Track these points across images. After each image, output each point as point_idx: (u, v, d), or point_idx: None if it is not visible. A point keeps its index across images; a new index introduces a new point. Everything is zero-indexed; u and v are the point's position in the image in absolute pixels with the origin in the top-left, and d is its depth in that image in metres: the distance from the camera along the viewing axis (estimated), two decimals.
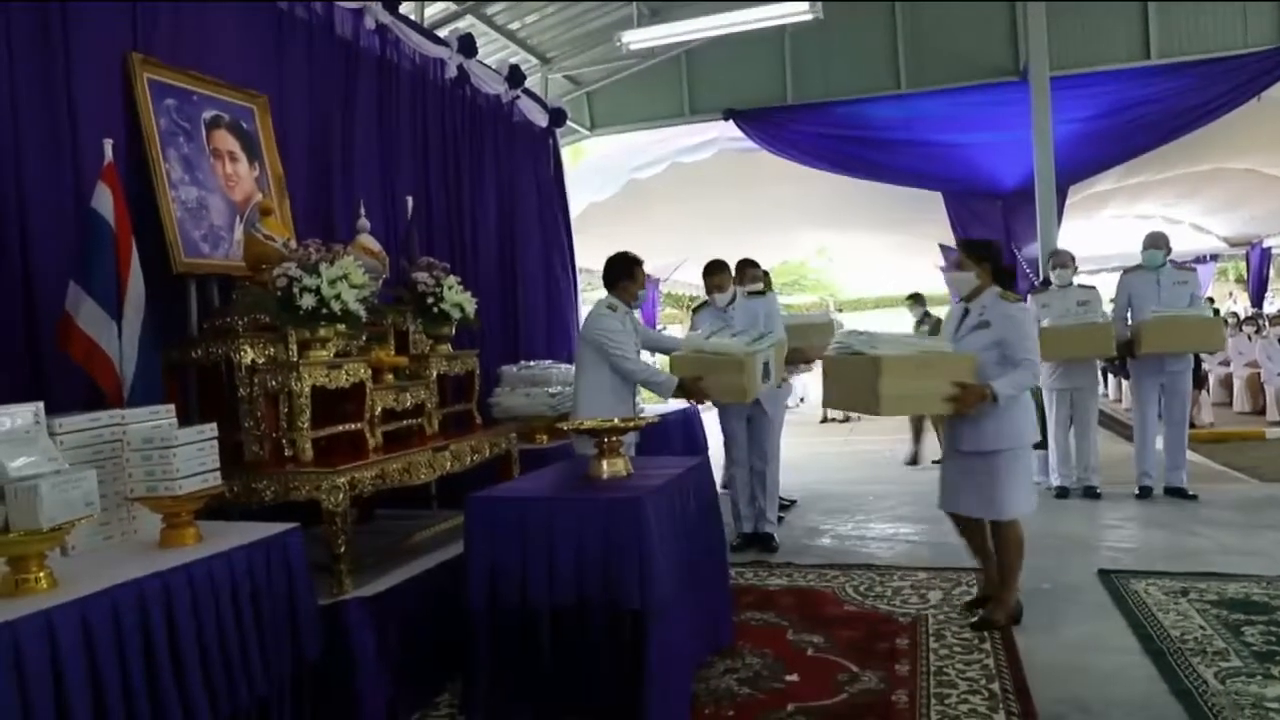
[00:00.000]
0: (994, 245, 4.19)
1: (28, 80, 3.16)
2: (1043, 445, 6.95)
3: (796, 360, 6.56)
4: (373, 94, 5.18)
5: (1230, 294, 23.43)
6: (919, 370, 3.72)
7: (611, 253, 4.69)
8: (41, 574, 2.11)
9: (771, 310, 5.59)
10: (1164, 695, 3.15)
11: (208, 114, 3.97)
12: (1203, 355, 9.07)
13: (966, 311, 4.03)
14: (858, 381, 3.83)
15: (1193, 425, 7.25)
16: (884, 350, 3.74)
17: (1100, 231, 13.38)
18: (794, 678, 3.47)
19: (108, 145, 3.14)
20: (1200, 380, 9.75)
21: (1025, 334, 3.83)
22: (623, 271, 4.62)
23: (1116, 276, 6.84)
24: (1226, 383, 12.69)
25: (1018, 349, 3.79)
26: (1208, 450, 8.34)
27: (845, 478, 8.18)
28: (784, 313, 7.24)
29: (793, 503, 7.33)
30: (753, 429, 5.55)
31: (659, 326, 14.26)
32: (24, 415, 2.32)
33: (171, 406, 2.80)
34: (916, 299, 9.64)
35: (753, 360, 4.48)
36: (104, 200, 3.05)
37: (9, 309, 3.05)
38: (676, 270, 15.07)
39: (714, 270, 5.49)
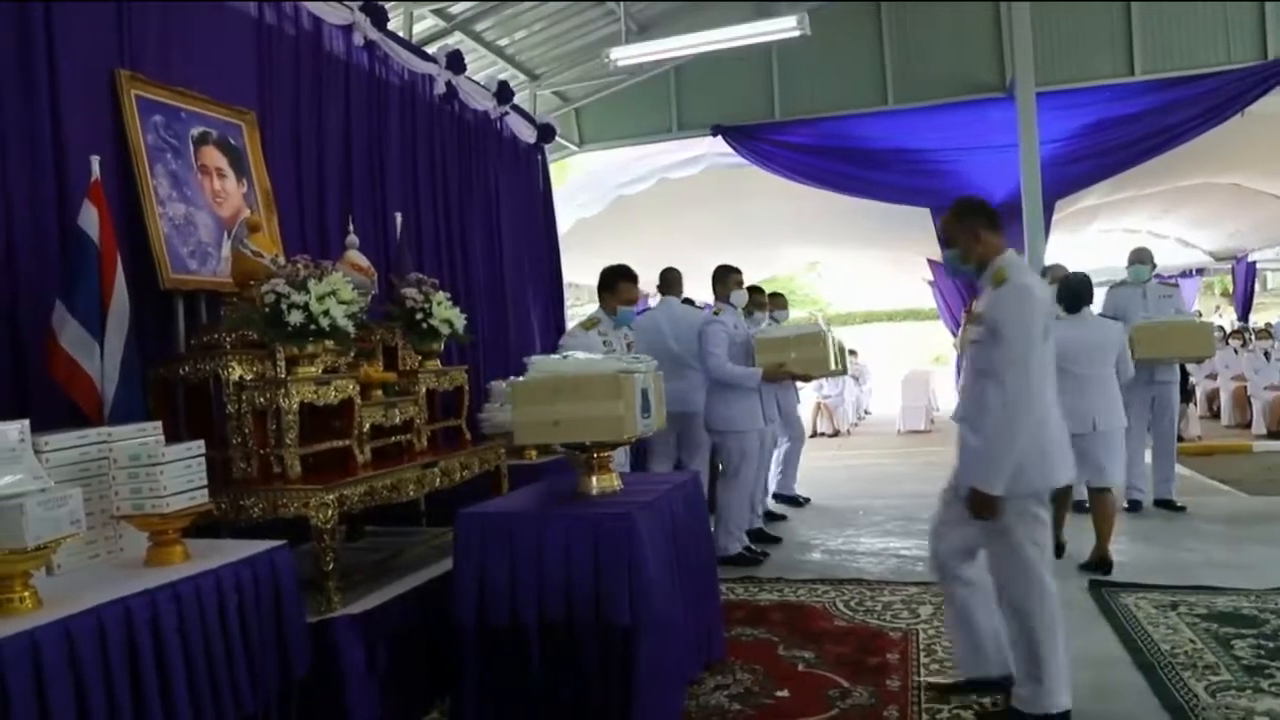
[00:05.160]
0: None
1: (14, 97, 3.15)
2: None
3: (780, 377, 5.90)
4: (361, 110, 5.19)
5: (1217, 308, 23.58)
6: None
7: (603, 267, 4.84)
8: (26, 593, 2.08)
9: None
10: (1155, 709, 3.16)
11: (195, 130, 3.96)
12: (1189, 369, 9.13)
13: None
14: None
15: (1180, 439, 7.28)
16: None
17: (1087, 246, 13.46)
18: (785, 693, 3.46)
19: (95, 162, 3.13)
20: (1188, 394, 9.79)
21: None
22: (606, 284, 4.97)
23: (1103, 291, 6.90)
24: (1213, 396, 12.76)
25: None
26: (1196, 463, 8.37)
27: (835, 493, 8.18)
28: (767, 325, 7.20)
29: (806, 500, 7.38)
30: (682, 450, 5.86)
31: None
32: (9, 433, 2.29)
33: (158, 424, 2.77)
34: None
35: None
36: (90, 218, 3.04)
37: None
38: None
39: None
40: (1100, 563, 4.98)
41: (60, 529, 2.13)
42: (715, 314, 5.73)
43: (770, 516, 6.64)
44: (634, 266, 5.14)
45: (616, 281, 5.00)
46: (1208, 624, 3.95)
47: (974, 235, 3.11)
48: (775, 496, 7.30)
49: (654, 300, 6.02)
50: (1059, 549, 5.21)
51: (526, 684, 3.03)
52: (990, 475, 2.93)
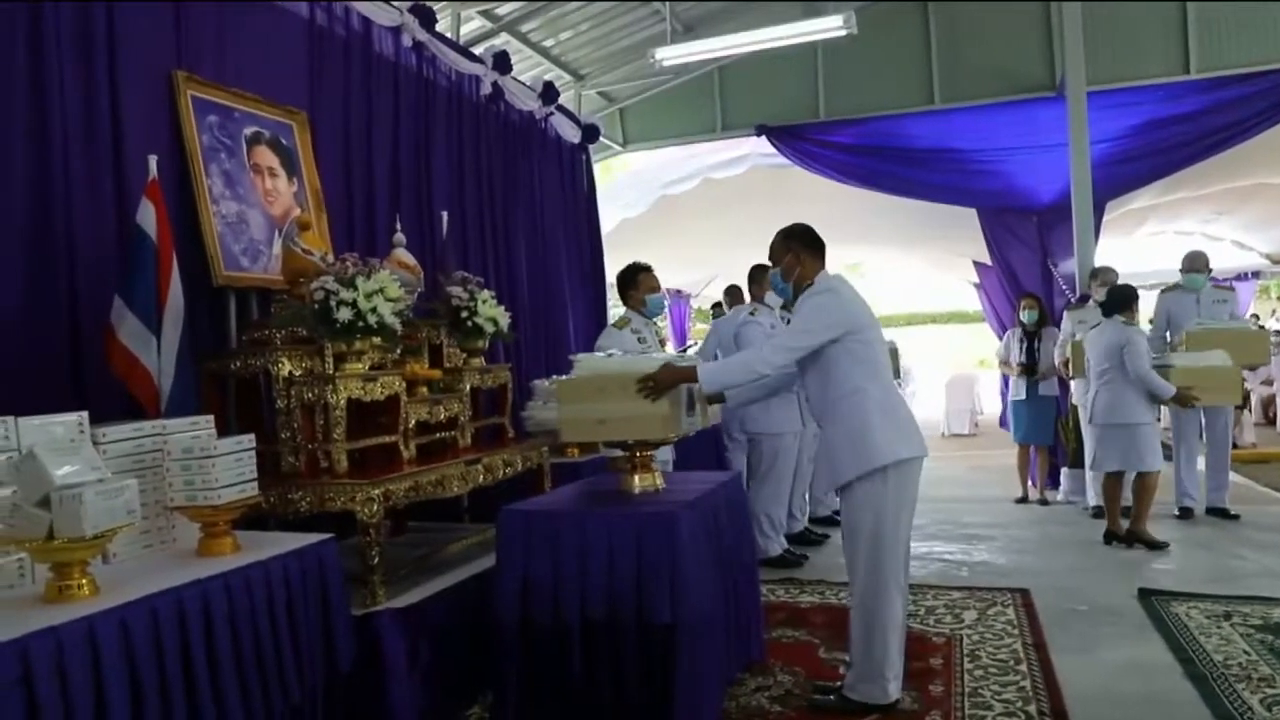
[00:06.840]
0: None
1: (76, 99, 3.23)
2: (1079, 464, 6.88)
3: None
4: (409, 110, 5.25)
5: (1274, 312, 22.98)
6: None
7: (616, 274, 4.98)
8: (84, 581, 2.14)
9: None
10: None
11: (248, 130, 4.04)
12: (1244, 374, 8.92)
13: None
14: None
15: (1235, 446, 7.11)
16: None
17: (1138, 248, 13.18)
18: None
19: (152, 161, 3.20)
20: (1242, 400, 9.57)
21: None
22: (627, 282, 5.09)
23: (1155, 294, 6.77)
24: (1269, 403, 12.46)
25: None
26: (1250, 471, 8.17)
27: None
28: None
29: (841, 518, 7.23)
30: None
31: (690, 342, 14.25)
32: (69, 424, 2.36)
33: (211, 417, 2.83)
34: None
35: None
36: (147, 215, 3.11)
37: (55, 320, 3.11)
38: (708, 286, 15.06)
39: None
40: (1134, 537, 5.47)
41: (117, 519, 2.17)
42: (751, 314, 5.71)
43: (806, 540, 6.23)
44: (678, 266, 5.24)
45: (634, 276, 5.13)
46: (1262, 635, 3.86)
47: (795, 255, 3.50)
48: (813, 520, 6.68)
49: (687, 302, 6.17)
50: (1112, 535, 5.65)
51: (567, 682, 3.04)
52: (707, 374, 3.31)
